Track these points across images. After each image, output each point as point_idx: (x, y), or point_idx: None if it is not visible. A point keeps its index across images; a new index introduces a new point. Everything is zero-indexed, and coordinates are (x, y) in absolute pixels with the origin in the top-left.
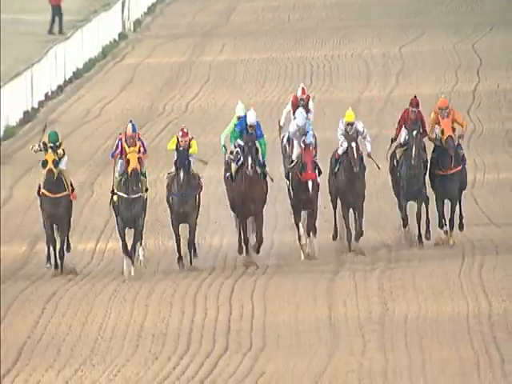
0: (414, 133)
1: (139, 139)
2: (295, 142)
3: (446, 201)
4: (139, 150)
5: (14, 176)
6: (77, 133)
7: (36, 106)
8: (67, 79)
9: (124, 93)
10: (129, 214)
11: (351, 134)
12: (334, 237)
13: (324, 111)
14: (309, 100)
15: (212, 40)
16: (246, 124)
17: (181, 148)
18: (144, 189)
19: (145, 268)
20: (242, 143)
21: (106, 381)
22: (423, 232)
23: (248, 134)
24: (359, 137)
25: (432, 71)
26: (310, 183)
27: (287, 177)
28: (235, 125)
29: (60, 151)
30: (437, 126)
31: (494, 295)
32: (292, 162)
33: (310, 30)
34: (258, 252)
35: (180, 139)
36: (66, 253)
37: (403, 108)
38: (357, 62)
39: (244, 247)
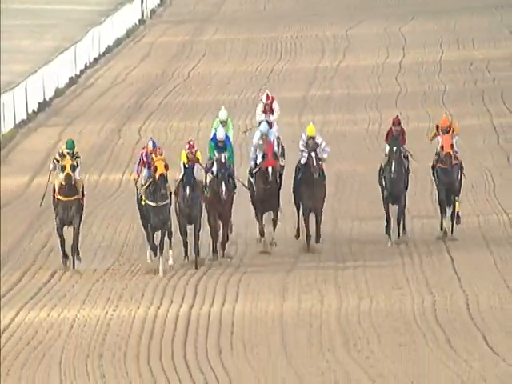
0: (394, 149)
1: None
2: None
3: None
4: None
5: (62, 125)
6: (108, 93)
7: (78, 73)
8: (101, 53)
9: (143, 63)
10: (158, 220)
11: (311, 146)
12: (297, 236)
13: (291, 77)
14: (273, 102)
15: (208, 24)
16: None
17: (187, 166)
18: (169, 193)
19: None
20: (215, 164)
21: (130, 276)
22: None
23: (221, 149)
24: (318, 148)
25: (369, 48)
26: (269, 169)
27: (251, 174)
28: (211, 139)
29: (76, 161)
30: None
31: (414, 217)
32: (256, 166)
33: (280, 17)
34: (223, 249)
35: (187, 151)
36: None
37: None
38: (314, 40)
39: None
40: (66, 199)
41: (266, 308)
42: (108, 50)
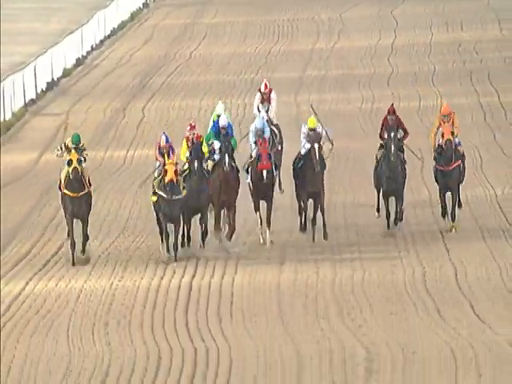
0: (392, 134)
1: (171, 147)
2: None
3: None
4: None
5: (69, 104)
6: (113, 73)
7: (84, 54)
8: (106, 35)
9: (146, 45)
10: (170, 211)
11: (313, 137)
12: (303, 229)
13: (288, 58)
14: (271, 92)
15: (208, 8)
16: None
17: (194, 143)
18: (182, 188)
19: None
20: (217, 144)
21: (134, 248)
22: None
23: (223, 135)
24: (323, 138)
25: (362, 30)
26: (264, 172)
27: (247, 171)
28: (211, 127)
29: (83, 155)
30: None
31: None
32: (251, 157)
33: (278, 0)
34: (230, 239)
35: (188, 133)
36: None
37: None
38: (310, 23)
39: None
40: (74, 195)
41: (263, 279)
42: (113, 32)
